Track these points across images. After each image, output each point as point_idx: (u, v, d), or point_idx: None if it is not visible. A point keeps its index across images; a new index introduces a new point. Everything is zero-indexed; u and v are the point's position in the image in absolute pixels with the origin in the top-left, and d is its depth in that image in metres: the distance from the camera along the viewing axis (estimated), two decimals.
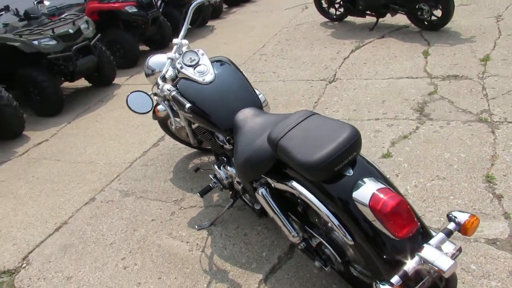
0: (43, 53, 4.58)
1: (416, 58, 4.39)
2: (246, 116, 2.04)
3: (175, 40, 2.36)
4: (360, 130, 3.22)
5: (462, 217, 1.34)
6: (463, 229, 1.33)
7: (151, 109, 2.28)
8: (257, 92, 2.50)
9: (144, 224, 2.73)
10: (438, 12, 4.82)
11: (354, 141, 1.44)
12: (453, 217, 1.36)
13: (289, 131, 1.58)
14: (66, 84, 5.99)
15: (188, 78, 2.21)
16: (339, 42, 5.41)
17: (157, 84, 2.29)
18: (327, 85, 4.22)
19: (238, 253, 2.33)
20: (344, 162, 1.42)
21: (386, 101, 3.63)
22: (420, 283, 1.32)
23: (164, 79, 2.24)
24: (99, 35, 5.24)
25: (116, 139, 3.99)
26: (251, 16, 8.24)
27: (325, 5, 6.31)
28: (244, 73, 2.33)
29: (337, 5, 6.14)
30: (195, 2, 2.41)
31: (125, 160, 3.57)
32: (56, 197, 3.22)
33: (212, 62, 2.30)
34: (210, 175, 2.48)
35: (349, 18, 6.20)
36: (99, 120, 4.57)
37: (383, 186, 1.37)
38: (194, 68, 2.23)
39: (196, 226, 2.59)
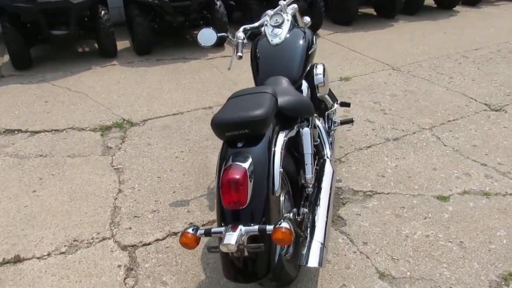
0: None
1: None
2: (272, 82, 2.30)
3: (281, 2, 2.68)
4: (453, 166, 3.01)
5: (282, 225, 1.42)
6: (273, 233, 1.42)
7: (213, 44, 2.68)
8: (317, 72, 2.63)
9: (217, 140, 3.36)
10: None
11: (250, 120, 1.59)
12: (279, 222, 1.44)
13: (242, 95, 1.84)
14: None
15: (266, 35, 2.57)
16: None
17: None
18: (484, 111, 3.63)
19: None
20: (233, 132, 1.62)
21: None
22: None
23: (245, 29, 2.64)
24: None
25: None
26: (511, 14, 7.01)
27: None
28: (310, 49, 2.48)
29: None
30: None
31: None
32: (194, 95, 4.18)
33: (293, 29, 2.55)
34: None
35: None
36: None
37: (243, 165, 1.54)
38: (273, 30, 2.55)
39: None
